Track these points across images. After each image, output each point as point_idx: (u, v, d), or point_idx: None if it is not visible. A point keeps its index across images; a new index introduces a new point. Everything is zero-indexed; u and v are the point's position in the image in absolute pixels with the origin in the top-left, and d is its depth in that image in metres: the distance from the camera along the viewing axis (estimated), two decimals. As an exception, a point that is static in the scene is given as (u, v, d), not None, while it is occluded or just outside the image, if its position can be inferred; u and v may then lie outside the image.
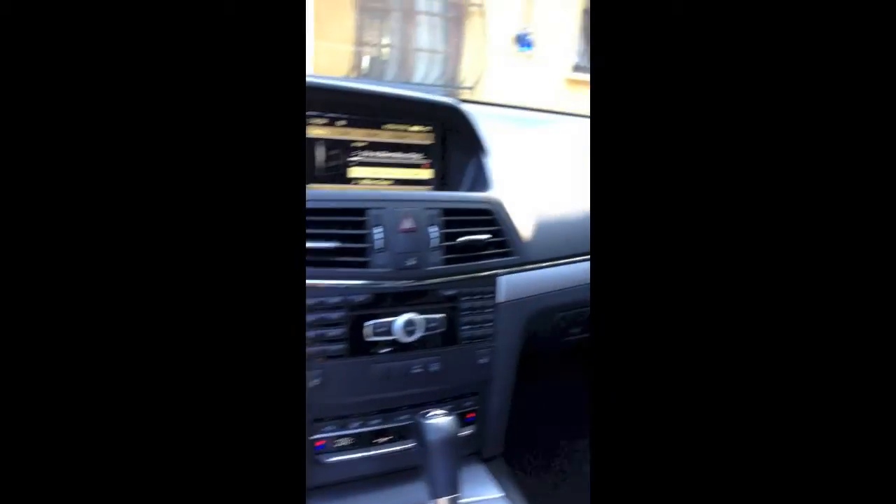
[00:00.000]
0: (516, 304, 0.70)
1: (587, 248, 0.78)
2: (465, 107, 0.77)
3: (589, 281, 0.78)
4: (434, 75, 4.60)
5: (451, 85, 4.63)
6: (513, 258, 0.70)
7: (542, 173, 0.83)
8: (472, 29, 4.39)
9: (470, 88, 4.56)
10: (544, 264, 0.73)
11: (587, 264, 0.78)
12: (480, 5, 4.30)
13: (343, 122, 0.73)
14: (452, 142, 0.79)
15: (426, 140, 0.78)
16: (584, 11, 4.70)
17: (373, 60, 4.32)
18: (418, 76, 4.52)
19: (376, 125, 0.75)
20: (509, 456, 0.76)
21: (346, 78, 0.89)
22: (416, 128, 0.77)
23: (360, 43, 4.19)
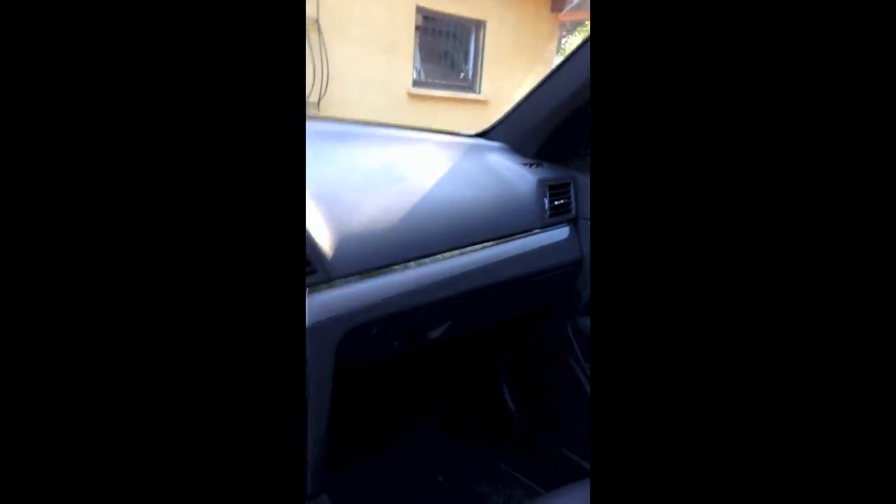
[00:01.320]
0: (324, 325, 0.67)
1: (403, 255, 0.77)
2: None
3: (409, 289, 0.77)
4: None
5: (294, 102, 4.48)
6: (316, 276, 0.67)
7: (357, 185, 0.81)
8: (310, 45, 4.29)
9: (315, 103, 4.46)
10: (351, 279, 0.71)
11: (405, 273, 0.77)
12: (315, 20, 4.23)
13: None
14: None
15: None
16: (418, 28, 4.86)
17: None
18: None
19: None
20: (334, 492, 0.72)
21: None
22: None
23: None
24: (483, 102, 5.43)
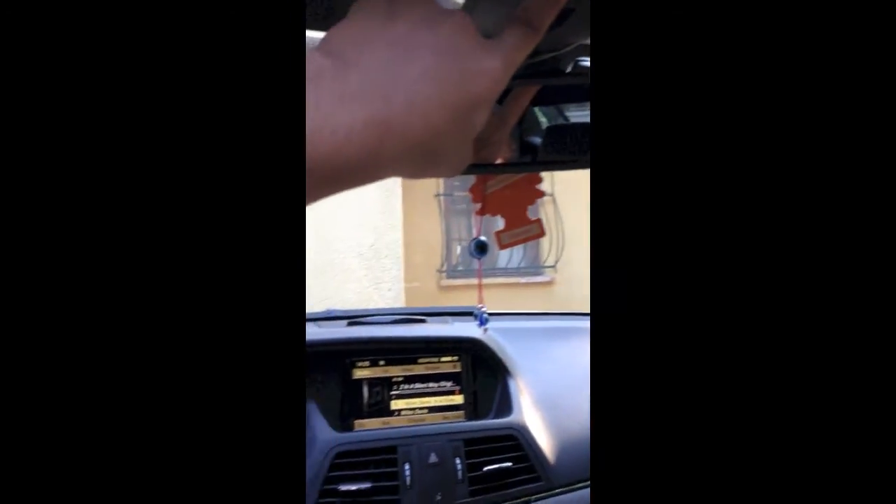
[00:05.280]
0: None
1: None
2: (488, 337, 0.88)
3: None
4: (517, 259, 4.95)
5: (535, 266, 4.92)
6: (540, 483, 0.73)
7: (574, 385, 0.88)
8: (546, 216, 4.78)
9: (553, 267, 4.80)
10: (575, 487, 0.75)
11: None
12: (552, 195, 4.74)
13: (383, 362, 0.86)
14: (480, 368, 0.88)
15: (455, 368, 0.89)
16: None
17: (462, 251, 4.87)
18: (502, 261, 4.88)
19: (412, 360, 0.87)
20: None
21: (386, 318, 1.05)
22: (446, 359, 0.88)
23: (449, 238, 4.80)
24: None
